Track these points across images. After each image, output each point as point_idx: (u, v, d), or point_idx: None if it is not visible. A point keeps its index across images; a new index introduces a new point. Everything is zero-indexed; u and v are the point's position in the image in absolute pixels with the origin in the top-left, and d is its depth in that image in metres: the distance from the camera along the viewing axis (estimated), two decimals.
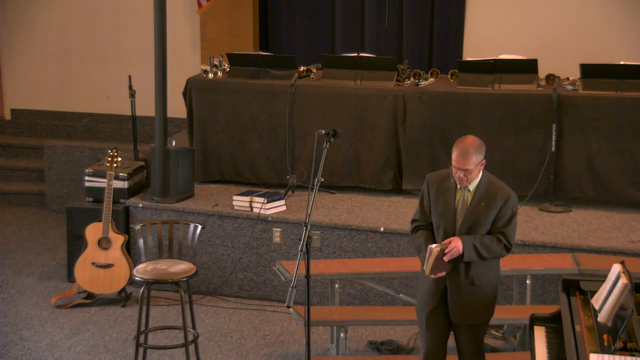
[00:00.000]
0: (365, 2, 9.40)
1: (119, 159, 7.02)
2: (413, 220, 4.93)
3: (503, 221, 4.71)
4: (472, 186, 4.72)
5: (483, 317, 4.84)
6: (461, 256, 4.62)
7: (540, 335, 4.48)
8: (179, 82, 8.13)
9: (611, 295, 4.08)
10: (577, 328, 4.13)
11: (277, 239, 7.09)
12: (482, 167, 4.72)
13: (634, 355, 3.76)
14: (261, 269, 7.17)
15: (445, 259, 4.61)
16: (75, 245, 7.31)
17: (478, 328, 4.84)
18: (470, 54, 8.86)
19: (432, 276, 4.66)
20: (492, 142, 7.35)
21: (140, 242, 5.96)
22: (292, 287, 4.45)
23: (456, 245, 4.61)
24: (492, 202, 4.69)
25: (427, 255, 4.61)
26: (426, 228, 4.85)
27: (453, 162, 4.66)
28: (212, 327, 6.68)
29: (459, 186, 4.72)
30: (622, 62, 7.27)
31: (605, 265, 5.51)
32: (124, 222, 7.33)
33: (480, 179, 4.73)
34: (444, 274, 4.66)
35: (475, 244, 4.63)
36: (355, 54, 7.90)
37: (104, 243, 6.94)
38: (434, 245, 4.61)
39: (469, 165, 4.62)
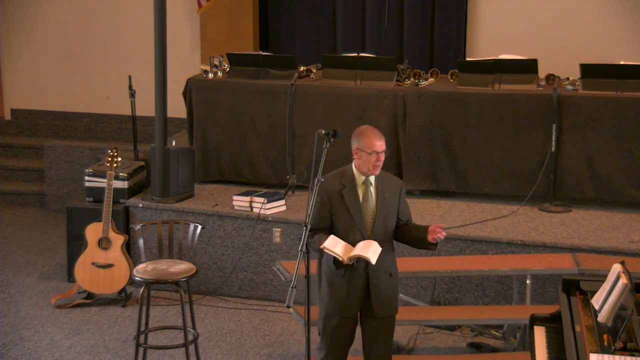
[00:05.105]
0: (366, 2, 9.40)
1: (119, 159, 7.02)
2: (312, 229, 4.66)
3: (406, 208, 4.82)
4: (372, 178, 4.77)
5: (397, 308, 4.95)
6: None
7: (540, 335, 4.48)
8: (179, 82, 8.12)
9: (611, 295, 4.07)
10: (577, 328, 4.13)
11: (277, 239, 7.09)
12: None
13: (634, 355, 3.76)
14: (261, 269, 7.16)
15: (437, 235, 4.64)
16: (75, 245, 7.30)
17: (393, 320, 4.92)
18: (472, 54, 8.86)
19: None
20: (492, 142, 7.37)
21: (140, 242, 5.96)
22: (292, 287, 4.44)
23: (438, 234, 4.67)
24: (393, 190, 4.78)
25: (359, 248, 4.62)
26: (324, 232, 4.76)
27: (371, 148, 4.65)
28: (212, 327, 6.68)
29: (359, 182, 4.73)
30: (622, 62, 7.27)
31: (605, 265, 5.50)
32: (124, 222, 7.33)
33: None
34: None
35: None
36: (355, 54, 7.89)
37: (104, 243, 6.94)
38: (325, 245, 4.59)
39: (385, 146, 4.67)
